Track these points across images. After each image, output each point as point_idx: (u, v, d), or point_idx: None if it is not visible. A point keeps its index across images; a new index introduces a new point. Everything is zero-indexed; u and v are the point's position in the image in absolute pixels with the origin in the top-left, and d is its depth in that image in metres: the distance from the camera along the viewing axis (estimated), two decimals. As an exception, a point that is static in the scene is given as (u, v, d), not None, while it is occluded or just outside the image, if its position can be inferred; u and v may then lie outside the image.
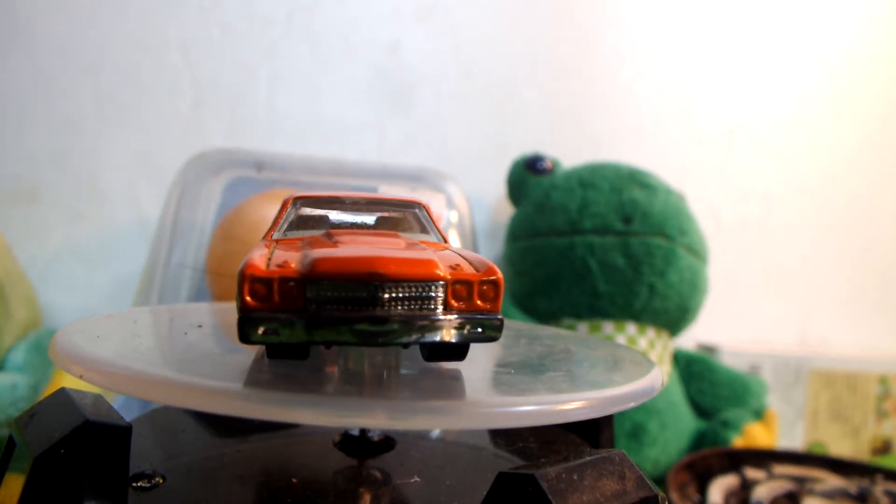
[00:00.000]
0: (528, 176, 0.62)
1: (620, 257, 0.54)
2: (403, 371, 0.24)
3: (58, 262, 0.62)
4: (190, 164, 0.53)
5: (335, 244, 0.22)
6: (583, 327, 0.57)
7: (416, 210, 0.26)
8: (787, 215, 0.80)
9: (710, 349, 0.70)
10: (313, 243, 0.22)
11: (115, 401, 0.46)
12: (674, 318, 0.57)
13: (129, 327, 0.26)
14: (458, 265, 0.20)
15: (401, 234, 0.25)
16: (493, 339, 0.20)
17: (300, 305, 0.18)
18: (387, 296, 0.19)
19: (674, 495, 0.42)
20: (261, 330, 0.18)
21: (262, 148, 0.63)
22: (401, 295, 0.19)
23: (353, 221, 0.27)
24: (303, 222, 0.26)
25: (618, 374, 0.25)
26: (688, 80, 0.76)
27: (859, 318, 0.82)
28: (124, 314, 0.29)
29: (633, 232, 0.55)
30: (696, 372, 0.62)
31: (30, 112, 0.61)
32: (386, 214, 0.27)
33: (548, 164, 0.62)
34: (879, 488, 0.45)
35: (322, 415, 0.17)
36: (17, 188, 0.61)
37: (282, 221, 0.26)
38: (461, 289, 0.20)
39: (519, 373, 0.24)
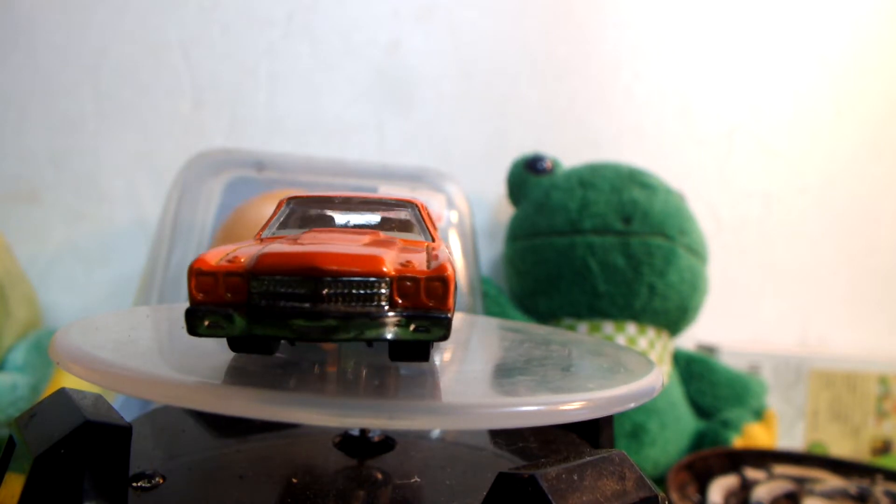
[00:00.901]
0: (528, 176, 0.62)
1: (620, 257, 0.54)
2: (403, 371, 0.24)
3: (58, 262, 0.62)
4: (190, 164, 0.53)
5: (296, 240, 0.22)
6: (583, 327, 0.57)
7: (409, 209, 0.26)
8: (787, 215, 0.80)
9: (709, 349, 0.70)
10: (282, 241, 0.22)
11: (116, 401, 0.46)
12: (674, 318, 0.57)
13: (129, 327, 0.26)
14: (409, 262, 0.19)
15: (383, 232, 0.25)
16: (440, 338, 0.19)
17: (244, 300, 0.19)
18: (326, 291, 0.19)
19: (674, 495, 0.42)
20: (206, 323, 0.19)
21: (262, 148, 0.63)
22: (341, 291, 0.19)
23: (342, 221, 0.27)
24: (293, 221, 0.27)
25: (618, 375, 0.25)
26: (688, 80, 0.76)
27: (859, 318, 0.82)
28: (124, 314, 0.29)
29: (633, 232, 0.55)
30: (696, 372, 0.62)
31: (30, 112, 0.61)
32: (376, 214, 0.27)
33: (548, 164, 0.62)
34: (879, 488, 0.45)
35: (322, 415, 0.17)
36: (17, 188, 0.61)
37: (273, 220, 0.27)
38: (407, 286, 0.19)
39: (519, 373, 0.24)
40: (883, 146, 0.83)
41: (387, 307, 0.19)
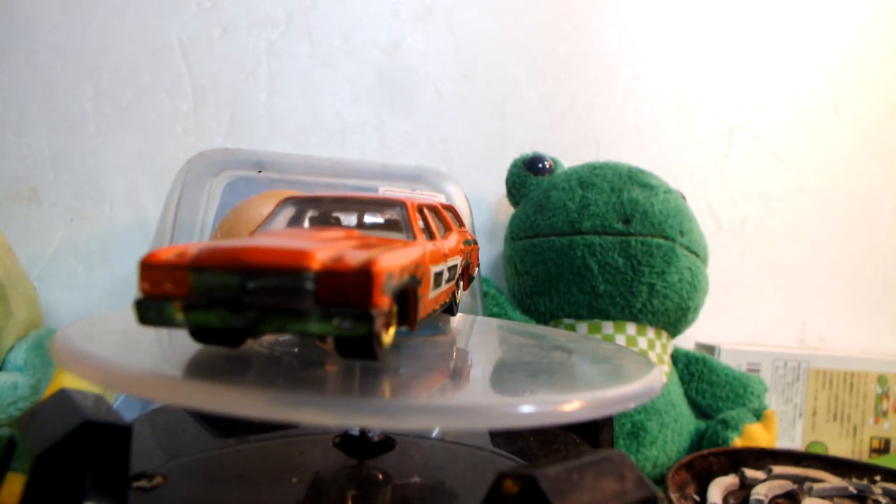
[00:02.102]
0: (528, 176, 0.62)
1: (620, 257, 0.54)
2: (403, 371, 0.24)
3: (58, 262, 0.62)
4: (190, 164, 0.53)
5: (257, 236, 0.23)
6: (583, 327, 0.57)
7: (397, 208, 0.27)
8: (787, 215, 0.80)
9: (709, 349, 0.70)
10: (247, 238, 0.23)
11: (116, 401, 0.46)
12: (673, 318, 0.57)
13: (130, 327, 0.26)
14: (340, 258, 0.19)
15: (368, 232, 0.26)
16: (364, 335, 0.19)
17: (186, 292, 0.19)
18: (250, 285, 0.19)
19: (673, 495, 0.42)
20: (150, 313, 0.20)
21: (262, 148, 0.63)
22: (266, 285, 0.19)
23: (333, 220, 0.28)
24: (287, 221, 0.27)
25: (617, 375, 0.25)
26: (687, 80, 0.76)
27: (858, 318, 0.82)
28: (124, 314, 0.29)
29: (633, 232, 0.55)
30: (695, 372, 0.62)
31: (30, 112, 0.61)
32: (365, 213, 0.28)
33: (548, 164, 0.62)
34: (878, 488, 0.45)
35: (322, 415, 0.17)
36: (17, 188, 0.61)
37: (268, 220, 0.27)
38: (333, 281, 0.19)
39: (519, 373, 0.24)
40: (882, 146, 0.83)
41: (311, 301, 0.19)
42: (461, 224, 0.36)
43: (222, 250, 0.19)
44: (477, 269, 0.37)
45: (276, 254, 0.19)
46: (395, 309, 0.21)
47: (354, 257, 0.19)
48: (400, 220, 0.26)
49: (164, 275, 0.20)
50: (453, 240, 0.30)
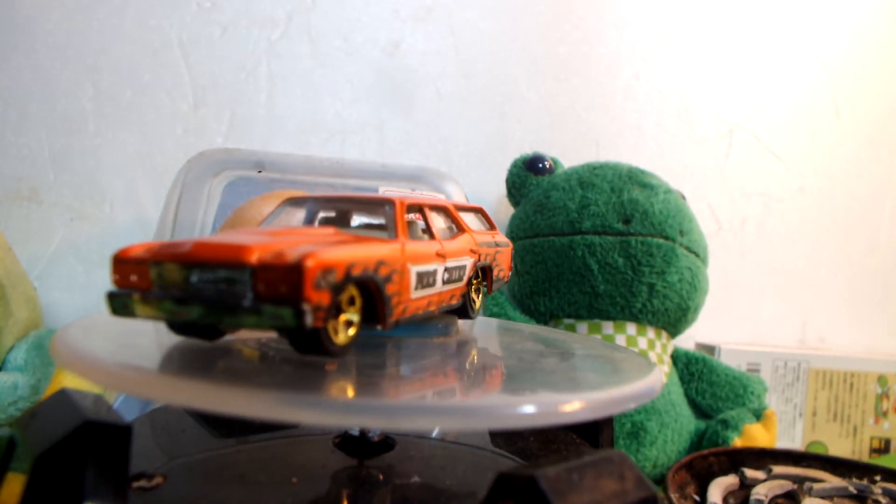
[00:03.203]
0: (528, 176, 0.62)
1: (620, 257, 0.54)
2: (404, 371, 0.24)
3: (58, 262, 0.62)
4: (190, 164, 0.53)
5: (222, 233, 0.24)
6: (583, 327, 0.57)
7: (385, 207, 0.27)
8: (787, 215, 0.80)
9: (709, 349, 0.70)
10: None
11: (116, 401, 0.46)
12: (673, 318, 0.57)
13: (130, 326, 0.26)
14: (279, 253, 0.19)
15: (346, 230, 0.26)
16: (297, 329, 0.19)
17: (147, 286, 0.21)
18: (194, 278, 0.20)
19: (673, 495, 0.42)
20: (118, 305, 0.21)
21: (262, 148, 0.63)
22: (208, 278, 0.20)
23: (325, 219, 0.28)
24: (284, 220, 0.28)
25: (617, 376, 0.25)
26: (687, 80, 0.76)
27: (858, 318, 0.82)
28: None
29: (633, 232, 0.55)
30: (695, 372, 0.62)
31: (30, 112, 0.61)
32: (358, 213, 0.28)
33: (548, 164, 0.62)
34: (878, 488, 0.45)
35: (322, 415, 0.17)
36: (17, 188, 0.61)
37: (266, 220, 0.28)
38: (268, 276, 0.19)
39: (519, 373, 0.24)
40: (882, 146, 0.83)
41: (249, 295, 0.19)
42: (491, 227, 0.36)
43: (178, 245, 0.20)
44: (510, 272, 0.36)
45: (220, 249, 0.20)
46: (358, 305, 0.21)
47: (293, 253, 0.19)
48: (385, 218, 0.26)
49: (131, 269, 0.21)
50: (463, 241, 0.30)
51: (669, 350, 0.60)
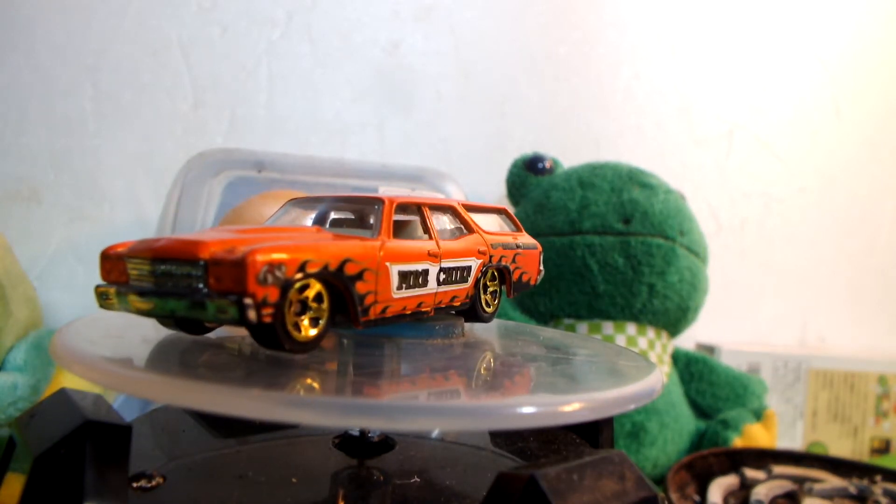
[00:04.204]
0: (528, 176, 0.62)
1: (620, 257, 0.54)
2: (404, 372, 0.24)
3: (58, 262, 0.62)
4: (190, 164, 0.53)
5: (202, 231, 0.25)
6: (582, 327, 0.57)
7: (375, 206, 0.27)
8: (787, 216, 0.80)
9: (709, 349, 0.70)
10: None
11: (116, 401, 0.46)
12: (673, 318, 0.57)
13: (129, 327, 0.26)
14: (232, 249, 0.20)
15: (330, 229, 0.27)
16: (242, 323, 0.19)
17: (125, 280, 0.22)
18: (157, 272, 0.21)
19: (674, 495, 0.42)
20: (103, 298, 0.23)
21: (262, 148, 0.63)
22: (167, 272, 0.21)
23: (318, 217, 0.29)
24: (284, 220, 0.29)
25: (618, 376, 0.25)
26: (687, 80, 0.76)
27: (859, 318, 0.82)
28: (123, 314, 0.29)
29: (633, 232, 0.55)
30: (695, 372, 0.62)
31: (30, 112, 0.61)
32: (350, 212, 0.28)
33: (548, 164, 0.62)
34: (879, 488, 0.45)
35: (323, 415, 0.17)
36: (17, 188, 0.61)
37: (270, 218, 0.29)
38: (218, 270, 0.20)
39: (518, 374, 0.24)
40: (882, 146, 0.83)
41: (201, 289, 0.20)
42: (517, 228, 0.35)
43: (152, 242, 0.22)
44: (539, 275, 0.35)
45: (180, 244, 0.21)
46: (326, 302, 0.22)
47: (244, 249, 0.20)
48: (372, 217, 0.26)
49: (113, 264, 0.23)
50: (468, 241, 0.29)
51: (669, 350, 0.60)
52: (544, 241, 0.57)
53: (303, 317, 0.21)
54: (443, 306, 0.28)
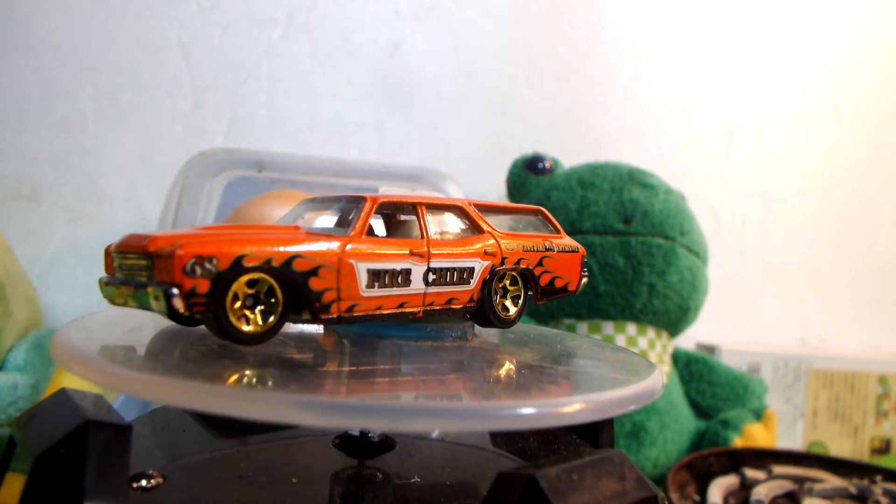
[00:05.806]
0: (528, 176, 0.62)
1: (620, 257, 0.54)
2: (404, 370, 0.24)
3: (58, 262, 0.62)
4: (190, 164, 0.53)
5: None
6: (583, 327, 0.57)
7: (357, 205, 0.27)
8: (787, 216, 0.80)
9: (709, 349, 0.70)
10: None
11: (116, 401, 0.46)
12: (674, 318, 0.57)
13: (129, 327, 0.26)
14: (173, 243, 0.21)
15: (309, 228, 0.27)
16: (171, 314, 0.21)
17: (114, 272, 0.24)
18: (123, 264, 0.23)
19: (674, 495, 0.42)
20: (101, 289, 0.24)
21: (262, 148, 0.63)
22: (127, 264, 0.23)
23: (313, 216, 0.29)
24: (285, 219, 0.29)
25: (618, 377, 0.25)
26: (688, 80, 0.76)
27: (859, 318, 0.82)
28: (124, 314, 0.29)
29: (633, 232, 0.55)
30: (695, 372, 0.62)
31: (30, 112, 0.61)
32: (342, 210, 0.29)
33: (548, 164, 0.62)
34: (879, 488, 0.45)
35: (323, 416, 0.17)
36: (17, 188, 0.61)
37: (282, 218, 0.29)
38: (158, 263, 0.22)
39: (518, 374, 0.24)
40: (882, 146, 0.83)
41: (148, 279, 0.22)
42: (556, 230, 0.33)
43: (133, 238, 0.23)
44: (579, 280, 0.33)
45: (136, 239, 0.23)
46: (280, 297, 0.23)
47: (182, 244, 0.21)
48: (353, 214, 0.26)
49: (109, 258, 0.25)
50: (473, 242, 0.28)
51: (670, 350, 0.60)
52: (544, 241, 0.57)
53: (253, 310, 0.22)
54: (437, 308, 0.27)
